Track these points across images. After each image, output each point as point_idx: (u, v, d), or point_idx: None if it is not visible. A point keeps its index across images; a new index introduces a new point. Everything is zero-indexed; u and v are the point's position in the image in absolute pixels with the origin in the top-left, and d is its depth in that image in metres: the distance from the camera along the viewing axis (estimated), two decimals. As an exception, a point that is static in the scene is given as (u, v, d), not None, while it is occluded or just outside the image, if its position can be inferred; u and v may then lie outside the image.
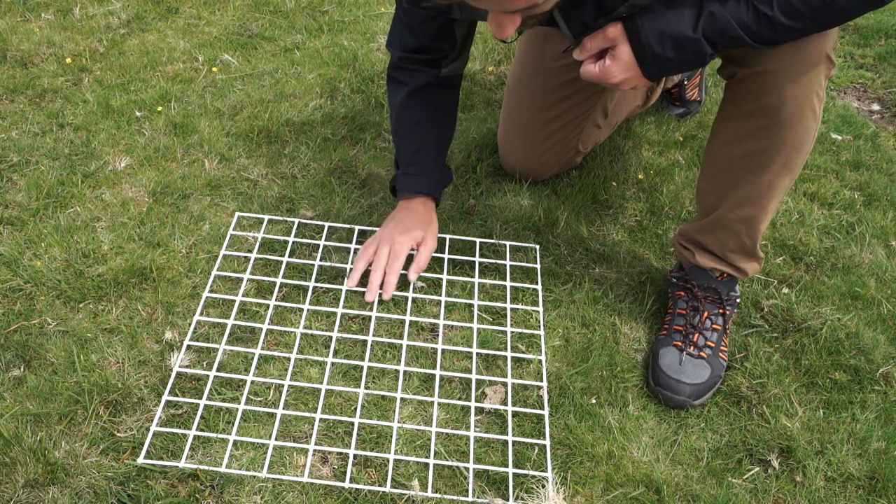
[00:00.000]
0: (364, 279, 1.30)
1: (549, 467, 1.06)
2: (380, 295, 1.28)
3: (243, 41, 2.03)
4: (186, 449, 1.03)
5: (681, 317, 1.25)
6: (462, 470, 1.05)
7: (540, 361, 1.21)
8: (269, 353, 1.18)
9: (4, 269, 1.28)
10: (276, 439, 1.06)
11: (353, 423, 1.09)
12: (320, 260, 1.35)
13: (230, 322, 1.22)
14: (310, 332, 1.22)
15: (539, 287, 1.34)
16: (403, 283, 1.30)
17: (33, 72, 1.82)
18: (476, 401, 1.15)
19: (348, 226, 1.43)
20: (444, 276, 1.34)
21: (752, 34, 0.99)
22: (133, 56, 1.92)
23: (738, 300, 1.27)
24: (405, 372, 1.17)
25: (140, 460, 1.01)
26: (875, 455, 1.12)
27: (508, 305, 1.31)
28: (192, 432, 1.05)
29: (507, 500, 1.02)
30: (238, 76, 1.87)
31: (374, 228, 1.42)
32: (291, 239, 1.39)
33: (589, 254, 1.44)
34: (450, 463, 1.05)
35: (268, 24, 2.13)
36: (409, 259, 1.31)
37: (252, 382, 1.14)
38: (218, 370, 1.14)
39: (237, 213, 1.44)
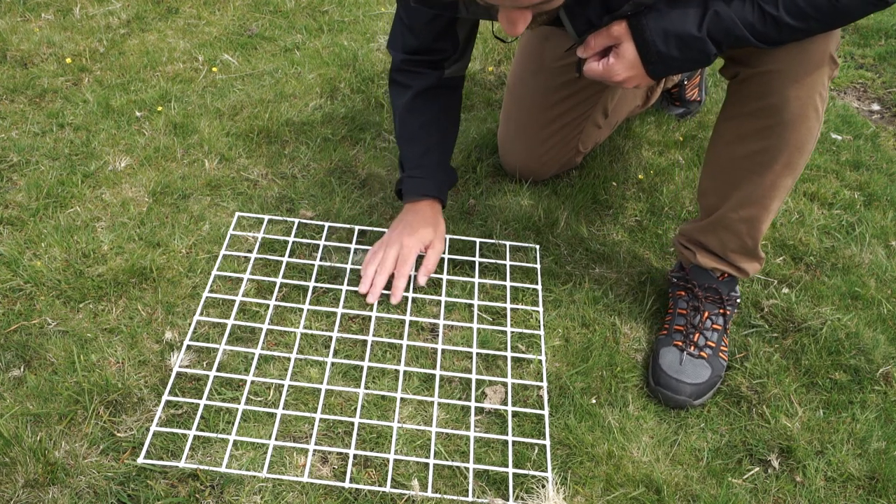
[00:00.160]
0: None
1: (549, 467, 1.06)
2: (387, 297, 1.28)
3: (243, 41, 2.03)
4: (186, 449, 1.03)
5: (681, 317, 1.25)
6: (462, 470, 1.05)
7: (540, 361, 1.21)
8: (269, 353, 1.18)
9: (4, 269, 1.28)
10: (276, 439, 1.06)
11: (353, 423, 1.09)
12: (320, 260, 1.35)
13: (230, 322, 1.22)
14: (310, 332, 1.22)
15: (539, 287, 1.34)
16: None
17: (33, 72, 1.82)
18: (476, 401, 1.15)
19: (348, 226, 1.43)
20: (444, 276, 1.34)
21: (756, 34, 0.99)
22: (133, 56, 1.92)
23: (738, 300, 1.27)
24: (405, 372, 1.17)
25: (140, 460, 1.01)
26: (875, 455, 1.12)
27: (508, 305, 1.31)
28: (192, 432, 1.05)
29: (507, 500, 1.02)
30: (238, 76, 1.87)
31: (374, 228, 1.43)
32: (291, 239, 1.39)
33: (589, 254, 1.44)
34: (450, 463, 1.05)
35: (268, 24, 2.13)
36: (417, 261, 1.31)
37: (252, 382, 1.14)
38: (218, 370, 1.14)
39: (237, 213, 1.44)
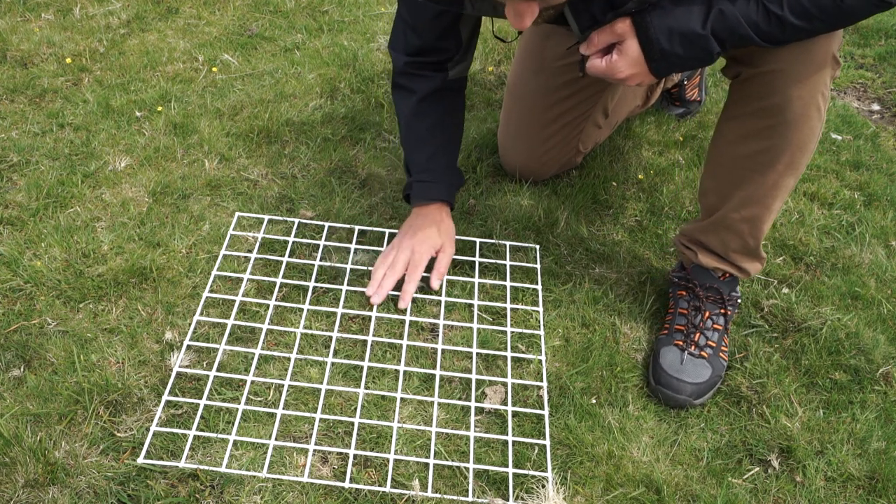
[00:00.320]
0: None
1: (549, 467, 1.06)
2: (394, 300, 1.28)
3: (243, 41, 2.03)
4: (186, 449, 1.03)
5: (682, 316, 1.25)
6: (462, 470, 1.05)
7: (540, 361, 1.21)
8: (269, 353, 1.18)
9: (4, 269, 1.28)
10: (276, 439, 1.06)
11: (353, 423, 1.09)
12: (320, 260, 1.35)
13: (230, 322, 1.22)
14: (310, 332, 1.22)
15: (539, 287, 1.34)
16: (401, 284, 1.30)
17: (33, 72, 1.82)
18: (476, 401, 1.15)
19: (348, 226, 1.43)
20: (444, 277, 1.34)
21: (761, 33, 0.99)
22: (133, 56, 1.92)
23: (739, 300, 1.27)
24: (405, 372, 1.17)
25: (140, 460, 1.01)
26: (875, 455, 1.12)
27: (508, 305, 1.30)
28: (192, 432, 1.05)
29: (507, 500, 1.02)
30: (238, 76, 1.87)
31: (374, 229, 1.43)
32: (291, 239, 1.39)
33: (589, 254, 1.44)
34: (450, 463, 1.05)
35: (268, 24, 2.13)
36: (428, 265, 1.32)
37: (252, 382, 1.14)
38: (218, 370, 1.14)
39: (237, 213, 1.44)
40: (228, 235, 1.38)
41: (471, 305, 1.30)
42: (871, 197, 1.65)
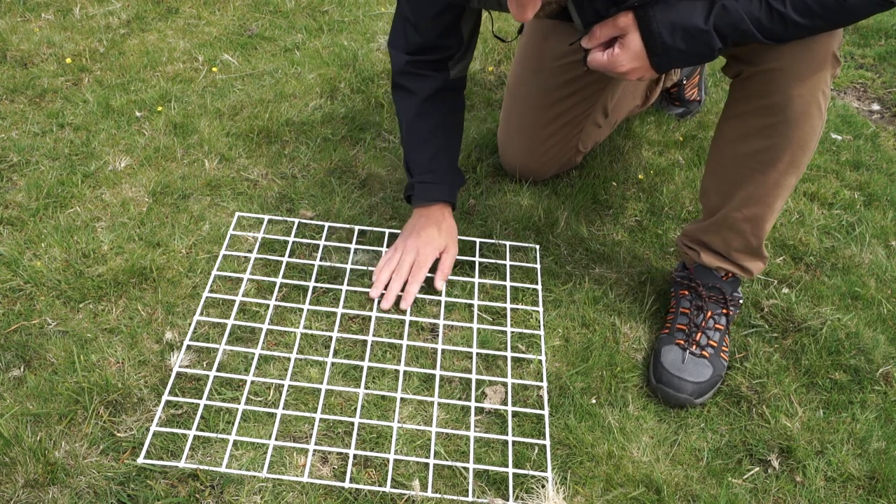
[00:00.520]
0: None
1: (549, 467, 1.06)
2: (397, 300, 1.28)
3: (243, 41, 2.03)
4: (186, 449, 1.03)
5: (684, 316, 1.25)
6: (462, 470, 1.05)
7: (540, 361, 1.21)
8: (269, 353, 1.18)
9: (4, 269, 1.28)
10: (276, 439, 1.06)
11: (353, 423, 1.09)
12: (320, 260, 1.35)
13: (230, 322, 1.22)
14: (310, 332, 1.22)
15: (539, 287, 1.34)
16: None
17: (33, 72, 1.82)
18: (476, 401, 1.15)
19: (348, 226, 1.43)
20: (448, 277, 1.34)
21: (763, 30, 1.00)
22: (133, 56, 1.92)
23: (741, 301, 1.27)
24: (405, 372, 1.17)
25: (140, 460, 1.01)
26: (875, 455, 1.12)
27: (508, 305, 1.30)
28: (192, 432, 1.05)
29: (507, 500, 1.02)
30: (238, 76, 1.87)
31: (374, 229, 1.43)
32: (291, 239, 1.39)
33: (589, 254, 1.44)
34: (450, 463, 1.05)
35: (268, 24, 2.13)
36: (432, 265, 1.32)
37: (252, 382, 1.14)
38: (218, 370, 1.14)
39: (237, 213, 1.44)
40: (228, 235, 1.38)
41: (471, 305, 1.30)
42: (871, 197, 1.65)
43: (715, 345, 1.21)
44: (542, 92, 1.45)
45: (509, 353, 1.22)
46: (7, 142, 1.57)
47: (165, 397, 1.09)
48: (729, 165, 1.19)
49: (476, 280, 1.35)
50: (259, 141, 1.64)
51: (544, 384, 1.17)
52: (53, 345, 1.16)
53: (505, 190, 1.56)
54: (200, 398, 1.10)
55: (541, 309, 1.30)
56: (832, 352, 1.27)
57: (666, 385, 1.17)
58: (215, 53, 1.96)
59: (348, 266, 1.34)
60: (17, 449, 1.00)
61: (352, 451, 1.05)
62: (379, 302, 1.28)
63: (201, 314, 1.23)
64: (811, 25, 0.99)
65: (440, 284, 1.30)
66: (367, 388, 1.14)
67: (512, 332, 1.26)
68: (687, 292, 1.27)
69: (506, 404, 1.14)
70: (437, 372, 1.17)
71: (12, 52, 1.88)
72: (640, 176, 1.65)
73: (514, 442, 1.09)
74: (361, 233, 1.42)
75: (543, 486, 1.03)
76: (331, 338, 1.21)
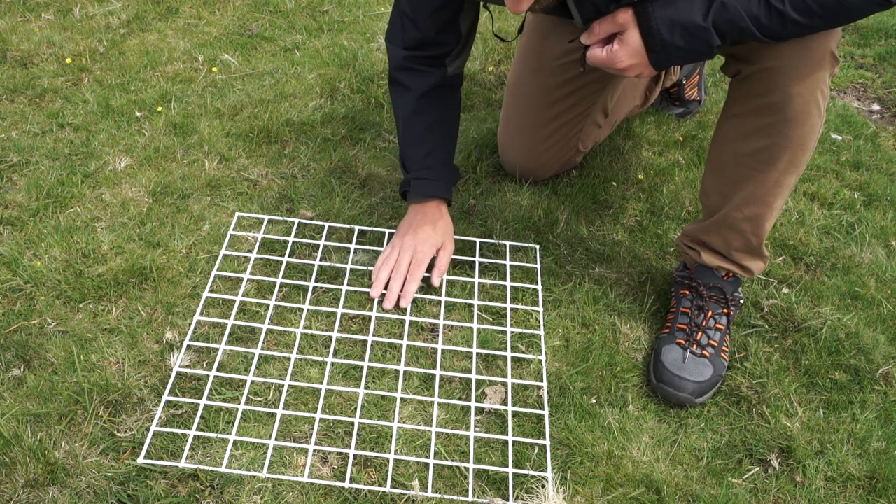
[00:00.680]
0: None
1: (549, 467, 1.06)
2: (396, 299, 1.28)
3: (243, 41, 2.03)
4: (186, 449, 1.03)
5: (685, 315, 1.25)
6: (462, 470, 1.05)
7: (540, 361, 1.21)
8: (269, 353, 1.18)
9: (4, 269, 1.28)
10: (276, 439, 1.06)
11: (353, 423, 1.09)
12: (320, 260, 1.35)
13: (230, 322, 1.22)
14: (310, 332, 1.22)
15: (539, 287, 1.34)
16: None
17: (33, 72, 1.82)
18: (476, 401, 1.15)
19: (348, 226, 1.43)
20: (444, 276, 1.34)
21: (761, 27, 1.00)
22: (133, 56, 1.92)
23: (741, 301, 1.27)
24: (405, 372, 1.17)
25: (140, 460, 1.01)
26: (875, 455, 1.12)
27: (508, 305, 1.30)
28: (192, 432, 1.05)
29: (507, 500, 1.02)
30: (238, 76, 1.87)
31: (374, 228, 1.43)
32: (291, 239, 1.39)
33: (589, 254, 1.44)
34: (450, 463, 1.05)
35: (268, 24, 2.13)
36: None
37: (252, 382, 1.14)
38: (218, 370, 1.14)
39: (237, 213, 1.44)
40: (228, 235, 1.38)
41: (471, 305, 1.30)
42: (871, 197, 1.65)
43: (715, 344, 1.22)
44: (542, 91, 1.45)
45: (509, 353, 1.22)
46: (7, 142, 1.57)
47: (165, 397, 1.09)
48: (729, 165, 1.19)
49: (476, 280, 1.35)
50: (259, 141, 1.64)
51: (544, 384, 1.17)
52: (53, 345, 1.16)
53: (505, 190, 1.56)
54: (200, 398, 1.10)
55: (541, 309, 1.30)
56: (832, 352, 1.27)
57: (666, 384, 1.17)
58: (215, 53, 1.96)
59: (348, 266, 1.34)
60: (17, 449, 1.00)
61: (352, 451, 1.05)
62: (380, 302, 1.28)
63: (201, 314, 1.23)
64: (810, 24, 0.99)
65: (436, 281, 1.31)
66: (367, 388, 1.14)
67: (512, 332, 1.26)
68: (688, 292, 1.27)
69: (506, 404, 1.14)
70: (437, 372, 1.17)
71: (12, 52, 1.88)
72: (640, 176, 1.65)
73: (514, 442, 1.09)
74: (361, 233, 1.42)
75: (543, 486, 1.03)
76: (331, 338, 1.21)
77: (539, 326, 1.27)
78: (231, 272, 1.31)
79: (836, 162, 1.75)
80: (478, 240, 1.43)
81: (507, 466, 1.06)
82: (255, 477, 1.01)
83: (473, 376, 1.18)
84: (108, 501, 0.96)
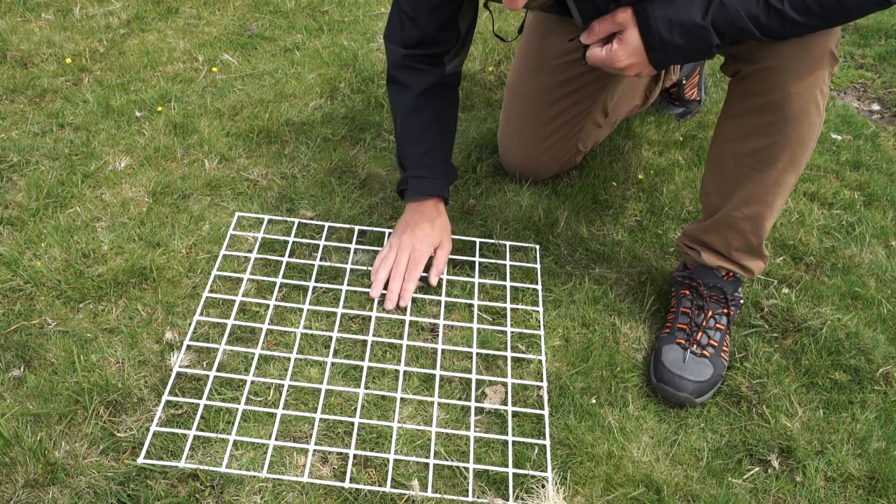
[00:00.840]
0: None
1: (549, 467, 1.06)
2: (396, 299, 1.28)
3: (243, 41, 2.03)
4: (186, 449, 1.03)
5: (685, 315, 1.25)
6: (462, 470, 1.05)
7: (540, 361, 1.21)
8: (269, 353, 1.18)
9: (4, 269, 1.28)
10: (276, 439, 1.06)
11: (353, 423, 1.09)
12: (320, 260, 1.35)
13: (230, 322, 1.22)
14: (310, 332, 1.22)
15: (539, 287, 1.34)
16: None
17: (33, 72, 1.82)
18: (476, 401, 1.15)
19: (348, 226, 1.43)
20: (444, 276, 1.34)
21: (760, 27, 1.00)
22: (133, 56, 1.92)
23: (741, 301, 1.27)
24: (405, 372, 1.17)
25: (140, 460, 1.01)
26: (875, 455, 1.12)
27: (508, 305, 1.30)
28: (192, 432, 1.05)
29: (507, 500, 1.02)
30: (238, 76, 1.87)
31: (374, 228, 1.43)
32: (291, 239, 1.39)
33: (589, 254, 1.44)
34: (450, 463, 1.05)
35: (268, 24, 2.13)
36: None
37: (252, 382, 1.14)
38: (218, 370, 1.14)
39: (237, 213, 1.44)
40: (228, 235, 1.38)
41: (471, 305, 1.30)
42: (871, 197, 1.65)
43: (716, 344, 1.22)
44: (541, 91, 1.45)
45: (509, 353, 1.22)
46: (7, 142, 1.57)
47: (165, 397, 1.09)
48: (728, 165, 1.19)
49: (476, 280, 1.35)
50: (259, 141, 1.64)
51: (544, 384, 1.17)
52: (53, 345, 1.16)
53: (505, 190, 1.56)
54: (200, 398, 1.10)
55: (541, 309, 1.30)
56: (832, 352, 1.27)
57: (667, 384, 1.17)
58: (215, 53, 1.96)
59: (348, 266, 1.34)
60: (17, 449, 1.00)
61: (352, 451, 1.05)
62: (380, 302, 1.28)
63: (201, 314, 1.23)
64: (809, 23, 0.99)
65: (434, 280, 1.31)
66: (367, 388, 1.14)
67: (512, 332, 1.26)
68: (688, 292, 1.27)
69: (506, 404, 1.14)
70: (437, 372, 1.17)
71: (12, 52, 1.88)
72: (640, 176, 1.65)
73: (514, 442, 1.09)
74: (361, 233, 1.42)
75: (543, 486, 1.03)
76: (331, 338, 1.21)
77: (539, 326, 1.27)
78: (231, 272, 1.31)
79: (836, 162, 1.75)
80: (478, 240, 1.43)
81: (507, 466, 1.06)
82: (255, 477, 1.01)
83: (473, 376, 1.18)
84: (108, 501, 0.96)
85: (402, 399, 1.13)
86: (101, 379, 1.10)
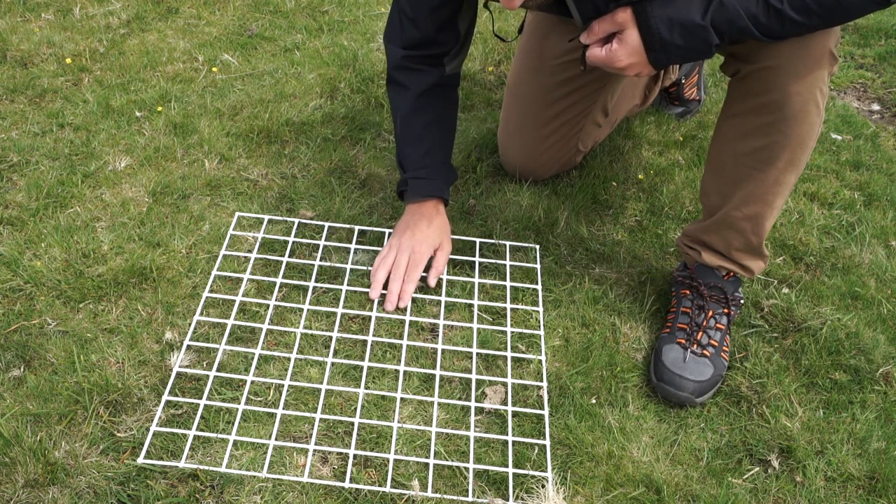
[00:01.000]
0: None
1: (549, 467, 1.06)
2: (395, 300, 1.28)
3: (243, 41, 2.03)
4: (186, 449, 1.03)
5: (685, 315, 1.25)
6: (462, 470, 1.05)
7: (540, 361, 1.21)
8: (269, 353, 1.18)
9: (4, 269, 1.28)
10: (276, 439, 1.06)
11: (353, 423, 1.09)
12: (320, 260, 1.35)
13: (230, 322, 1.22)
14: (310, 332, 1.22)
15: (539, 287, 1.34)
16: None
17: (33, 72, 1.82)
18: (476, 401, 1.15)
19: (348, 226, 1.43)
20: (444, 276, 1.34)
21: (759, 26, 1.00)
22: (133, 56, 1.92)
23: (742, 301, 1.27)
24: (405, 372, 1.17)
25: (140, 460, 1.01)
26: (875, 455, 1.12)
27: (508, 305, 1.30)
28: (192, 432, 1.05)
29: (507, 500, 1.02)
30: (238, 76, 1.87)
31: (374, 228, 1.43)
32: (291, 239, 1.39)
33: (589, 254, 1.44)
34: (450, 463, 1.05)
35: (268, 24, 2.13)
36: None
37: (252, 382, 1.14)
38: (218, 370, 1.14)
39: (237, 213, 1.44)
40: (228, 235, 1.38)
41: (471, 305, 1.30)
42: (871, 197, 1.65)
43: (716, 344, 1.22)
44: (541, 91, 1.45)
45: (509, 353, 1.22)
46: (7, 142, 1.57)
47: (165, 397, 1.09)
48: (728, 164, 1.19)
49: (476, 280, 1.35)
50: (259, 141, 1.64)
51: (544, 384, 1.17)
52: (53, 345, 1.16)
53: (505, 190, 1.56)
54: (200, 398, 1.10)
55: (541, 309, 1.30)
56: (832, 352, 1.27)
57: (667, 383, 1.17)
58: (215, 53, 1.96)
59: (348, 266, 1.34)
60: (17, 449, 1.00)
61: (352, 451, 1.05)
62: (380, 303, 1.28)
63: (201, 314, 1.23)
64: (808, 23, 1.00)
65: (433, 281, 1.31)
66: (367, 388, 1.14)
67: (512, 332, 1.26)
68: (688, 291, 1.27)
69: (506, 404, 1.14)
70: (437, 372, 1.17)
71: (12, 52, 1.88)
72: (640, 176, 1.65)
73: (514, 442, 1.09)
74: (361, 233, 1.42)
75: (543, 486, 1.03)
76: (331, 338, 1.21)
77: (539, 326, 1.27)
78: (231, 272, 1.31)
79: (836, 162, 1.75)
80: (478, 240, 1.43)
81: (507, 466, 1.06)
82: (255, 477, 1.01)
83: (473, 376, 1.18)
84: (108, 501, 0.96)
85: (402, 399, 1.13)
86: (101, 379, 1.10)
